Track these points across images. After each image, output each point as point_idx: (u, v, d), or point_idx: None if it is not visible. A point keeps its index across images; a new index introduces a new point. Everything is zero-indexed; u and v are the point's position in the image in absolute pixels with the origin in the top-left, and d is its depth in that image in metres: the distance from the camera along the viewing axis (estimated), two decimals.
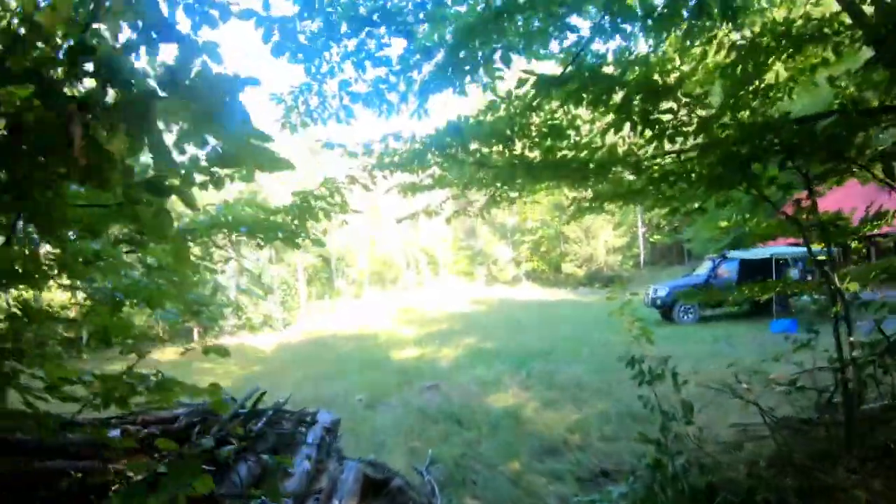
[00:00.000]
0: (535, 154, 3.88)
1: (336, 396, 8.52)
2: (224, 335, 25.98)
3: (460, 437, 6.00)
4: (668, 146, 3.44)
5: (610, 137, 3.50)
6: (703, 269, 15.47)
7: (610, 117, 3.29)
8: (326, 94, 4.43)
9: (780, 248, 13.19)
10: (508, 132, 3.71)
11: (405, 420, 6.75)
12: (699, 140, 3.27)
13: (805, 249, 12.81)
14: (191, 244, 2.64)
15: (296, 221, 3.08)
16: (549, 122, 3.83)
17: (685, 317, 14.33)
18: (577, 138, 3.87)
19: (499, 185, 4.28)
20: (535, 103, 3.63)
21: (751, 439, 4.14)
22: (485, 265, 41.74)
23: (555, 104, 3.77)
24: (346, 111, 4.46)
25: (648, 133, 3.23)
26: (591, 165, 3.58)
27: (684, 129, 3.19)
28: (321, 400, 8.13)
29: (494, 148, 3.84)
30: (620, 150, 3.71)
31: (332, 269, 36.54)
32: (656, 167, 3.63)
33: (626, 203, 4.59)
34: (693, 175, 3.45)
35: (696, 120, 3.19)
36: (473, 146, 3.78)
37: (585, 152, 3.63)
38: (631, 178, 3.93)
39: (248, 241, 3.03)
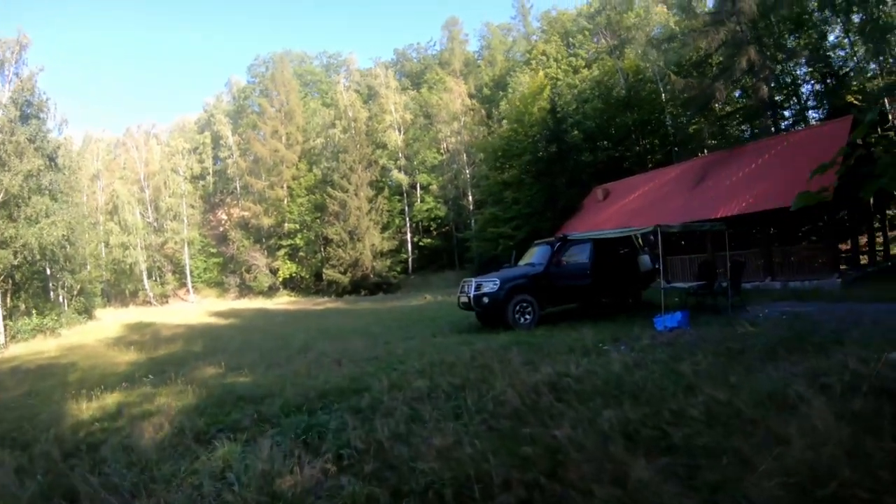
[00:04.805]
0: None
1: None
2: None
3: None
4: None
5: None
6: (534, 255, 12.60)
7: None
8: None
9: (626, 229, 12.41)
10: None
11: None
12: None
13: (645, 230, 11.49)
14: None
15: None
16: None
17: (522, 318, 10.87)
18: None
19: None
20: None
21: None
22: (237, 273, 38.73)
23: None
24: None
25: None
26: None
27: None
28: None
29: None
30: None
31: (46, 275, 29.16)
32: None
33: None
34: None
35: None
36: None
37: None
38: None
39: None
